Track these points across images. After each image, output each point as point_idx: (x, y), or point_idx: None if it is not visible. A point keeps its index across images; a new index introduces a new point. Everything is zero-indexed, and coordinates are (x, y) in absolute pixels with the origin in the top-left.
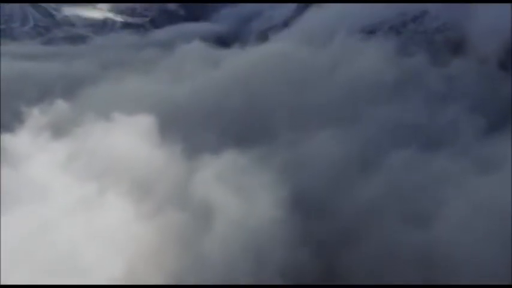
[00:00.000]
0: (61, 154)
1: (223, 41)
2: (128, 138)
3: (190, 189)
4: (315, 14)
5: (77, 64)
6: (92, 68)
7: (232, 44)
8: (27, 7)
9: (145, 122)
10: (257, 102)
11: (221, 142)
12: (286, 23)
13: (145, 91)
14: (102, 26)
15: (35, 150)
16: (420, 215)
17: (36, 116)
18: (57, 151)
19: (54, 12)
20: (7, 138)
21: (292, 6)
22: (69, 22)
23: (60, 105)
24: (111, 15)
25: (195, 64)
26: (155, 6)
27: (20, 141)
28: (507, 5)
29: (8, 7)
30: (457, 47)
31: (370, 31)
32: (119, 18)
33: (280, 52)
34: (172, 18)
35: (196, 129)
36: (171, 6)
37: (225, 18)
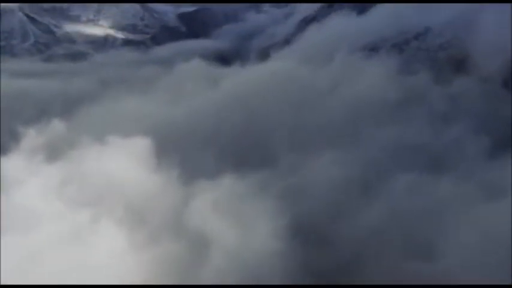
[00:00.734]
0: (54, 179)
1: (223, 59)
2: (123, 163)
3: (186, 218)
4: (317, 31)
5: (76, 82)
6: (90, 85)
7: (233, 62)
8: (28, 23)
9: (141, 145)
10: (256, 123)
11: (219, 166)
12: (287, 40)
13: (143, 111)
14: (103, 43)
15: (29, 174)
16: (423, 244)
17: (32, 136)
18: (50, 175)
19: (55, 29)
20: (1, 161)
21: (293, 23)
22: (70, 39)
23: (57, 126)
24: (112, 31)
25: (194, 83)
26: (157, 23)
27: (13, 164)
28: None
29: (8, 23)
30: (460, 64)
31: (372, 48)
32: (119, 35)
33: (281, 71)
34: (174, 35)
35: (193, 152)
36: (173, 22)
37: (226, 34)
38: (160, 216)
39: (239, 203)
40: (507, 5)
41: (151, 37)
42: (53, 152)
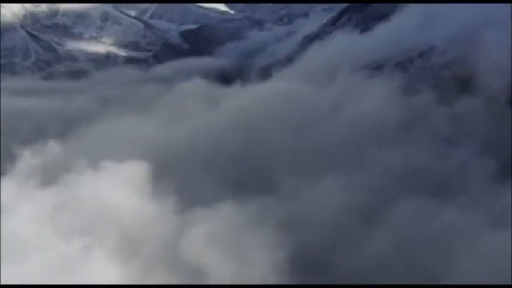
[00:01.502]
0: (47, 205)
1: (225, 77)
2: (119, 188)
3: (182, 249)
4: (319, 49)
5: (75, 100)
6: (90, 104)
7: (235, 80)
8: (30, 41)
9: (138, 169)
10: (257, 145)
11: (218, 191)
12: (290, 58)
13: (142, 133)
14: (105, 61)
15: (21, 199)
16: (428, 273)
17: (27, 158)
18: (43, 201)
19: (56, 47)
20: None
21: (296, 40)
22: (72, 56)
23: (53, 147)
24: (114, 49)
25: (195, 103)
26: (159, 40)
27: (6, 189)
28: None
29: (10, 41)
30: (465, 84)
31: (375, 67)
32: (121, 53)
33: (282, 91)
34: (176, 53)
35: (192, 176)
36: (175, 40)
37: (229, 52)
38: (154, 246)
39: (237, 234)
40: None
41: (153, 55)
42: (48, 176)
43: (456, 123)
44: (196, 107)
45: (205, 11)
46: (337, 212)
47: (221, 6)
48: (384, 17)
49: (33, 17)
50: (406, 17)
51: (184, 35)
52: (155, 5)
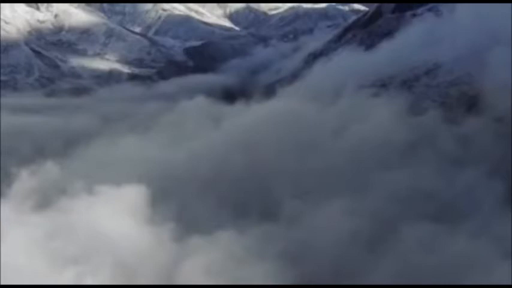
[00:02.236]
0: (40, 230)
1: (229, 94)
2: (115, 214)
3: (178, 280)
4: (324, 66)
5: (76, 118)
6: (91, 122)
7: (238, 98)
8: (33, 58)
9: (135, 193)
10: (259, 167)
11: (217, 217)
12: (294, 75)
13: (141, 154)
14: (108, 78)
15: (14, 224)
16: None
17: (23, 179)
18: (37, 226)
19: (60, 63)
20: None
21: (301, 57)
22: (75, 73)
23: (50, 168)
24: (118, 66)
25: (196, 122)
26: (163, 57)
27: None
28: None
29: (14, 58)
30: (472, 102)
31: (381, 85)
32: (125, 69)
33: (285, 111)
34: (180, 70)
35: (191, 200)
36: (180, 57)
37: (233, 69)
38: (150, 277)
39: (236, 265)
40: None
41: (157, 72)
42: (43, 199)
43: (463, 143)
44: (198, 126)
45: (210, 27)
46: (340, 238)
47: (226, 23)
48: (388, 33)
49: (38, 34)
50: (411, 34)
51: (189, 51)
52: (160, 21)
